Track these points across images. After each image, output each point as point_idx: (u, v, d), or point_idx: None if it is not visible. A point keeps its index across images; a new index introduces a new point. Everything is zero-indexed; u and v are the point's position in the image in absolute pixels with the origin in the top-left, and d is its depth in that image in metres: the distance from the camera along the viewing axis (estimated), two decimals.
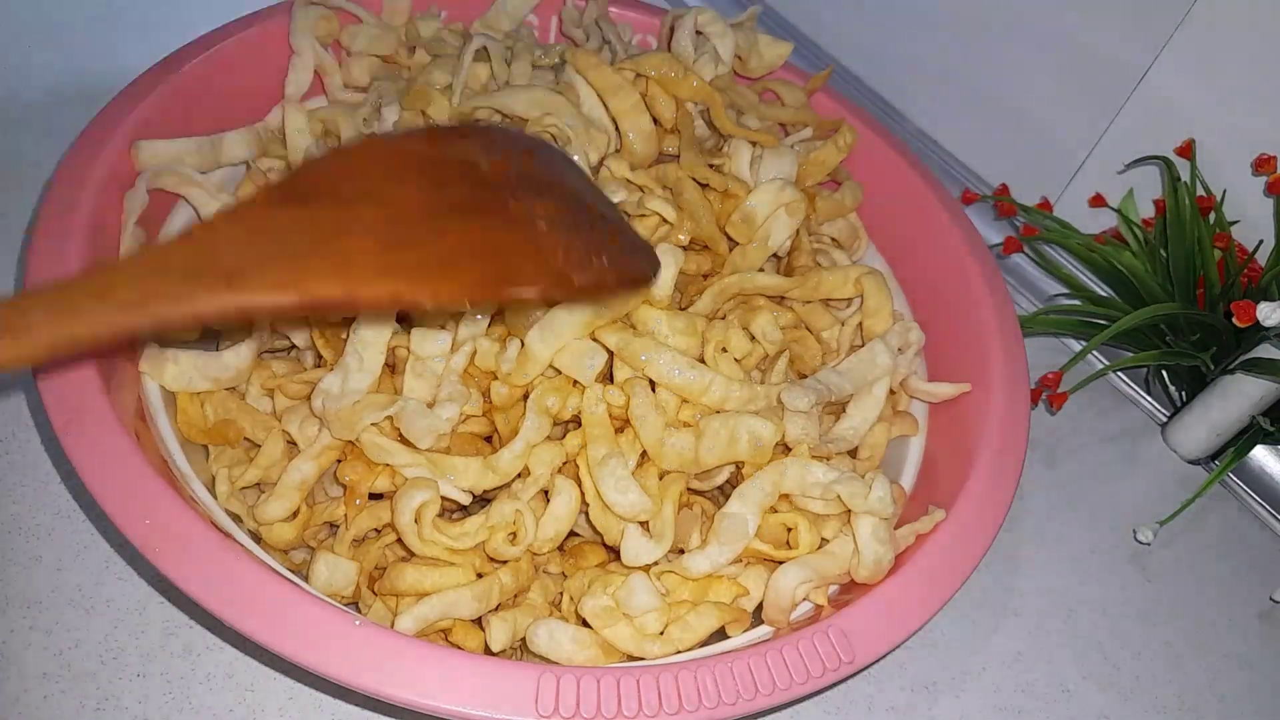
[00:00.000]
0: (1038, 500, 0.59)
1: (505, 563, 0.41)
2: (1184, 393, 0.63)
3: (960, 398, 0.48)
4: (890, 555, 0.40)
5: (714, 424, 0.42)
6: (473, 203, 0.34)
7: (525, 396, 0.43)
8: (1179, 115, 0.60)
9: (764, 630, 0.40)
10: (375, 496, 0.43)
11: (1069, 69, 0.64)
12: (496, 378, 0.43)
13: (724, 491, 0.45)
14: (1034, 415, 0.58)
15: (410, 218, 0.32)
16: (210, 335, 0.49)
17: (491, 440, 0.45)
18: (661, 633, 0.39)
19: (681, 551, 0.42)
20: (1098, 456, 0.62)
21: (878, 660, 0.38)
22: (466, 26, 0.58)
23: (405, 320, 0.44)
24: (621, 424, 0.43)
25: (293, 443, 0.43)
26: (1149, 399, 0.65)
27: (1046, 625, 0.53)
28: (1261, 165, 0.57)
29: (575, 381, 0.42)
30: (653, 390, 0.42)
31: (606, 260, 0.35)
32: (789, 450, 0.43)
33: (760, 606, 0.41)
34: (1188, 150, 0.59)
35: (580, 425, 0.42)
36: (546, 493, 0.42)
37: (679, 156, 0.50)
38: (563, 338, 0.42)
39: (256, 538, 0.42)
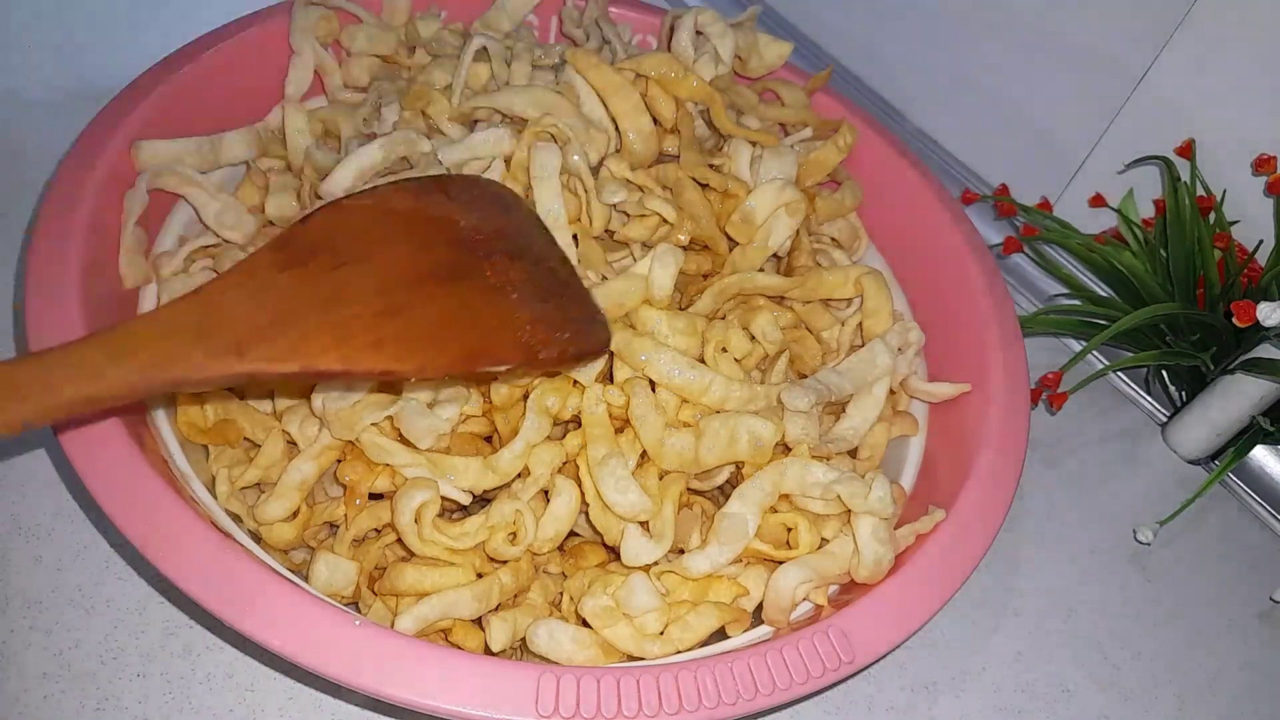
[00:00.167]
0: (1038, 500, 0.59)
1: (505, 563, 0.41)
2: (1184, 393, 0.63)
3: (960, 398, 0.48)
4: (890, 555, 0.40)
5: (714, 424, 0.42)
6: (454, 268, 0.36)
7: (525, 396, 0.43)
8: (1179, 115, 0.60)
9: (764, 630, 0.40)
10: (375, 496, 0.43)
11: (1069, 69, 0.64)
12: (496, 378, 0.43)
13: (724, 491, 0.45)
14: (1034, 415, 0.58)
15: (398, 284, 0.34)
16: None
17: (491, 440, 0.45)
18: (661, 633, 0.39)
19: (681, 551, 0.42)
20: (1098, 456, 0.62)
21: (878, 660, 0.38)
22: (466, 26, 0.58)
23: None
24: (621, 424, 0.43)
25: (293, 443, 0.43)
26: (1149, 399, 0.65)
27: (1046, 625, 0.53)
28: (1261, 165, 0.57)
29: (575, 381, 0.42)
30: (653, 390, 0.42)
31: (569, 334, 0.38)
32: (789, 450, 0.43)
33: (760, 606, 0.41)
34: (1188, 150, 0.59)
35: (580, 425, 0.42)
36: (546, 493, 0.42)
37: (679, 156, 0.50)
38: None
39: (256, 538, 0.42)
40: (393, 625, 0.38)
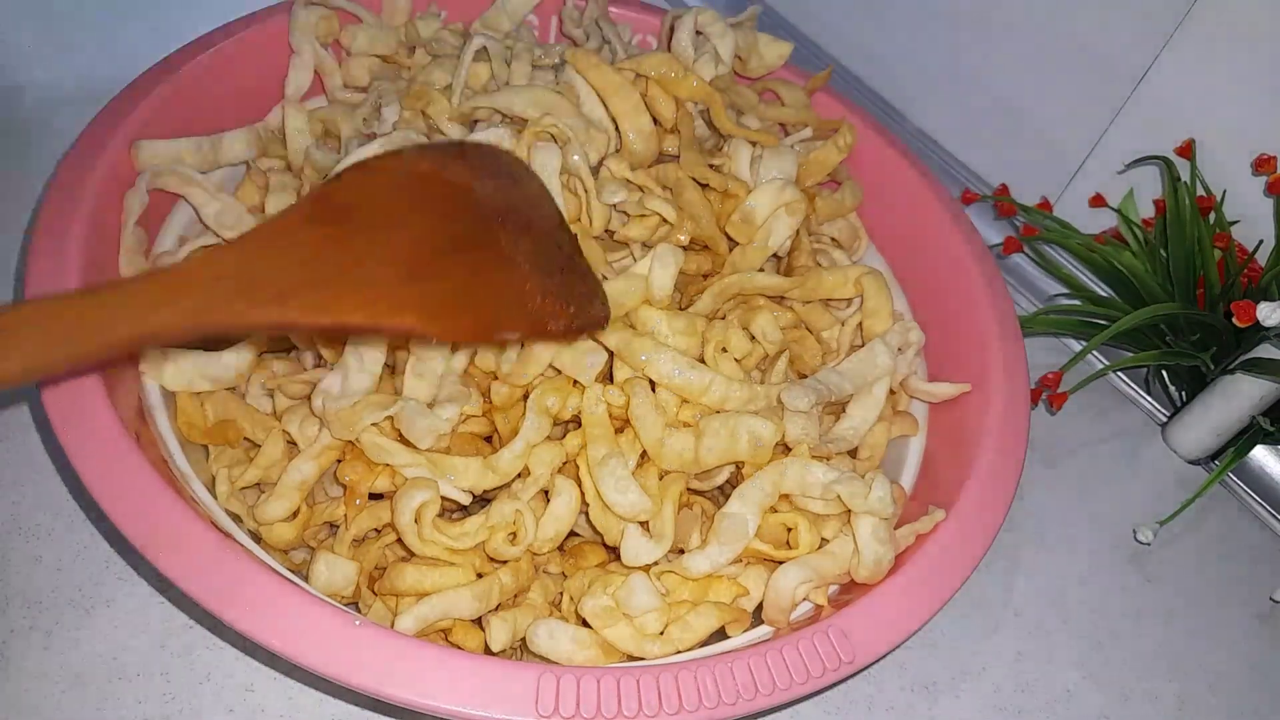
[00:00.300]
0: (1038, 500, 0.59)
1: (505, 563, 0.41)
2: (1184, 393, 0.63)
3: (960, 398, 0.48)
4: (890, 555, 0.40)
5: (714, 424, 0.42)
6: (471, 237, 0.38)
7: (525, 396, 0.43)
8: (1179, 115, 0.60)
9: (764, 630, 0.40)
10: (375, 496, 0.43)
11: (1069, 69, 0.64)
12: (496, 378, 0.43)
13: (724, 491, 0.45)
14: (1034, 415, 0.58)
15: (421, 250, 0.36)
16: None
17: (491, 440, 0.45)
18: (661, 633, 0.39)
19: (681, 551, 0.42)
20: (1098, 456, 0.62)
21: (878, 660, 0.38)
22: (466, 26, 0.58)
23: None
24: (621, 424, 0.43)
25: (293, 443, 0.43)
26: (1149, 399, 0.65)
27: (1046, 625, 0.53)
28: (1261, 165, 0.57)
29: (575, 381, 0.42)
30: (653, 390, 0.42)
31: (574, 308, 0.39)
32: (789, 450, 0.43)
33: (760, 606, 0.41)
34: (1188, 150, 0.59)
35: (580, 425, 0.42)
36: (546, 493, 0.42)
37: (679, 156, 0.50)
38: None
39: (256, 538, 0.42)
40: (393, 625, 0.39)
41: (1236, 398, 0.58)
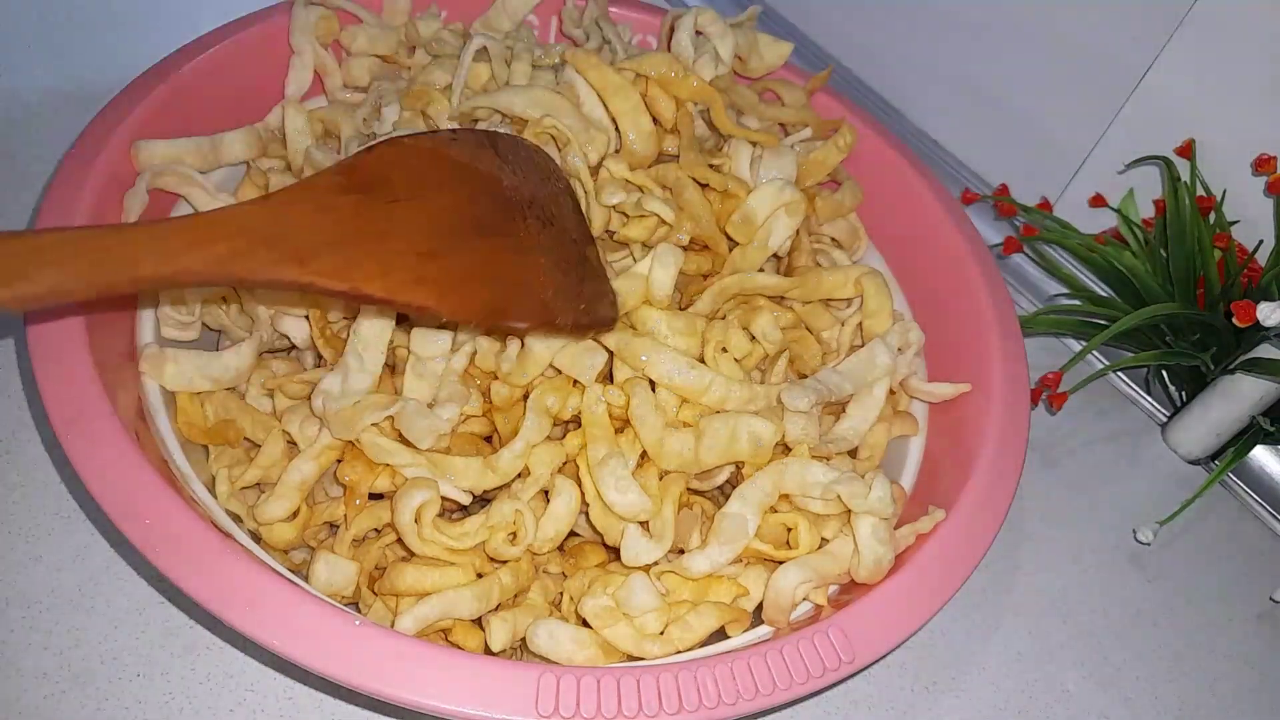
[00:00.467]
0: (1038, 500, 0.59)
1: (505, 563, 0.41)
2: (1184, 393, 0.63)
3: (960, 398, 0.48)
4: (890, 555, 0.40)
5: (714, 424, 0.42)
6: (492, 223, 0.38)
7: (525, 397, 0.43)
8: (1179, 115, 0.60)
9: (764, 630, 0.40)
10: (375, 496, 0.43)
11: (1069, 69, 0.64)
12: (496, 378, 0.43)
13: (724, 491, 0.45)
14: (1034, 415, 0.58)
15: (443, 229, 0.37)
16: (210, 334, 0.49)
17: (491, 440, 0.45)
18: (661, 633, 0.39)
19: (681, 551, 0.42)
20: (1098, 456, 0.62)
21: (878, 660, 0.38)
22: (466, 26, 0.58)
23: (405, 321, 0.44)
24: (621, 424, 0.43)
25: (293, 443, 0.43)
26: (1149, 399, 0.65)
27: (1046, 625, 0.53)
28: (1261, 165, 0.57)
29: (575, 381, 0.42)
30: (653, 390, 0.42)
31: (584, 304, 0.40)
32: (789, 450, 0.43)
33: (760, 606, 0.41)
34: (1188, 150, 0.59)
35: (580, 425, 0.42)
36: (546, 493, 0.42)
37: (679, 156, 0.50)
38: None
39: (256, 538, 0.42)
40: (393, 625, 0.38)
41: (1236, 398, 0.58)
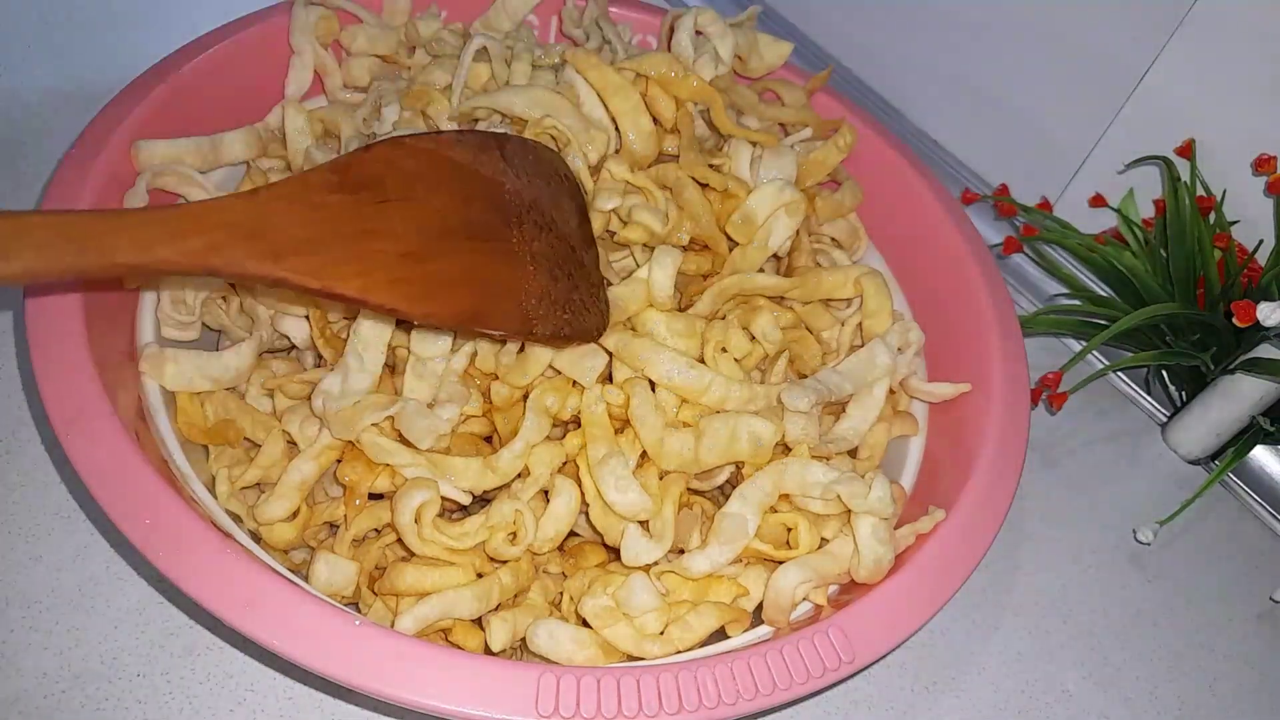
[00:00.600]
0: (1038, 500, 0.59)
1: (505, 563, 0.41)
2: (1184, 393, 0.63)
3: (960, 398, 0.48)
4: (890, 555, 0.40)
5: (714, 424, 0.42)
6: (485, 227, 0.39)
7: (525, 397, 0.43)
8: (1179, 115, 0.60)
9: (764, 630, 0.40)
10: (375, 496, 0.43)
11: (1069, 69, 0.64)
12: (496, 378, 0.43)
13: (724, 491, 0.45)
14: (1034, 415, 0.58)
15: (430, 231, 0.37)
16: (210, 334, 0.49)
17: (491, 440, 0.45)
18: (661, 633, 0.39)
19: (681, 551, 0.42)
20: (1098, 456, 0.62)
21: (878, 660, 0.38)
22: (466, 26, 0.58)
23: (405, 321, 0.44)
24: (621, 424, 0.43)
25: (293, 443, 0.43)
26: (1149, 399, 0.65)
27: (1046, 625, 0.53)
28: (1261, 165, 0.57)
29: (575, 382, 0.42)
30: (653, 390, 0.42)
31: (569, 315, 0.40)
32: (789, 450, 0.43)
33: (760, 606, 0.41)
34: (1188, 150, 0.59)
35: (580, 425, 0.42)
36: (546, 493, 0.42)
37: (679, 156, 0.50)
38: None
39: (256, 538, 0.42)
40: (393, 625, 0.38)
41: (1236, 398, 0.58)
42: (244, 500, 0.43)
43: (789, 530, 0.42)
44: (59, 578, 0.45)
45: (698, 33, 0.54)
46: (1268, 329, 0.51)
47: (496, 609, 0.41)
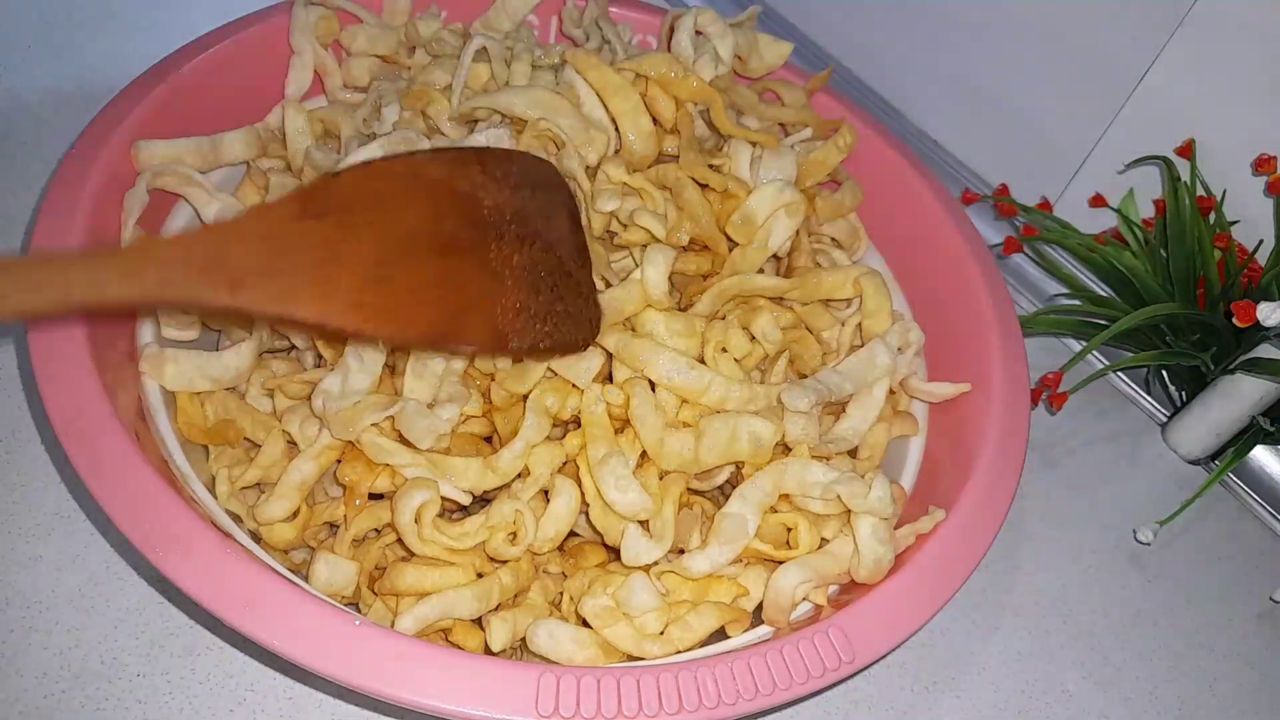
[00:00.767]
0: (1038, 500, 0.59)
1: (505, 563, 0.41)
2: (1184, 393, 0.63)
3: (960, 398, 0.48)
4: (890, 555, 0.40)
5: (714, 424, 0.42)
6: (457, 243, 0.39)
7: (525, 397, 0.43)
8: (1179, 115, 0.60)
9: (764, 630, 0.40)
10: (375, 496, 0.43)
11: (1069, 69, 0.64)
12: (496, 379, 0.43)
13: (724, 491, 0.45)
14: (1034, 415, 0.58)
15: (396, 250, 0.37)
16: (210, 334, 0.49)
17: (491, 440, 0.45)
18: (661, 633, 0.39)
19: (681, 551, 0.42)
20: (1098, 456, 0.62)
21: (878, 660, 0.38)
22: (466, 26, 0.58)
23: None
24: (621, 424, 0.43)
25: (293, 443, 0.43)
26: (1149, 399, 0.65)
27: (1046, 625, 0.53)
28: (1261, 165, 0.57)
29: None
30: (652, 391, 0.42)
31: (549, 327, 0.40)
32: (789, 450, 0.43)
33: (760, 606, 0.41)
34: (1188, 150, 0.59)
35: (580, 425, 0.42)
36: (546, 493, 0.42)
37: (679, 156, 0.50)
38: None
39: (256, 538, 0.42)
40: (393, 625, 0.38)
41: (1236, 398, 0.58)
42: (244, 500, 0.43)
43: (789, 530, 0.42)
44: (59, 578, 0.45)
45: (698, 33, 0.54)
46: (1268, 329, 0.51)
47: (496, 609, 0.41)
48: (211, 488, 0.42)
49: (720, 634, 0.40)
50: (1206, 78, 0.58)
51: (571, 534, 0.44)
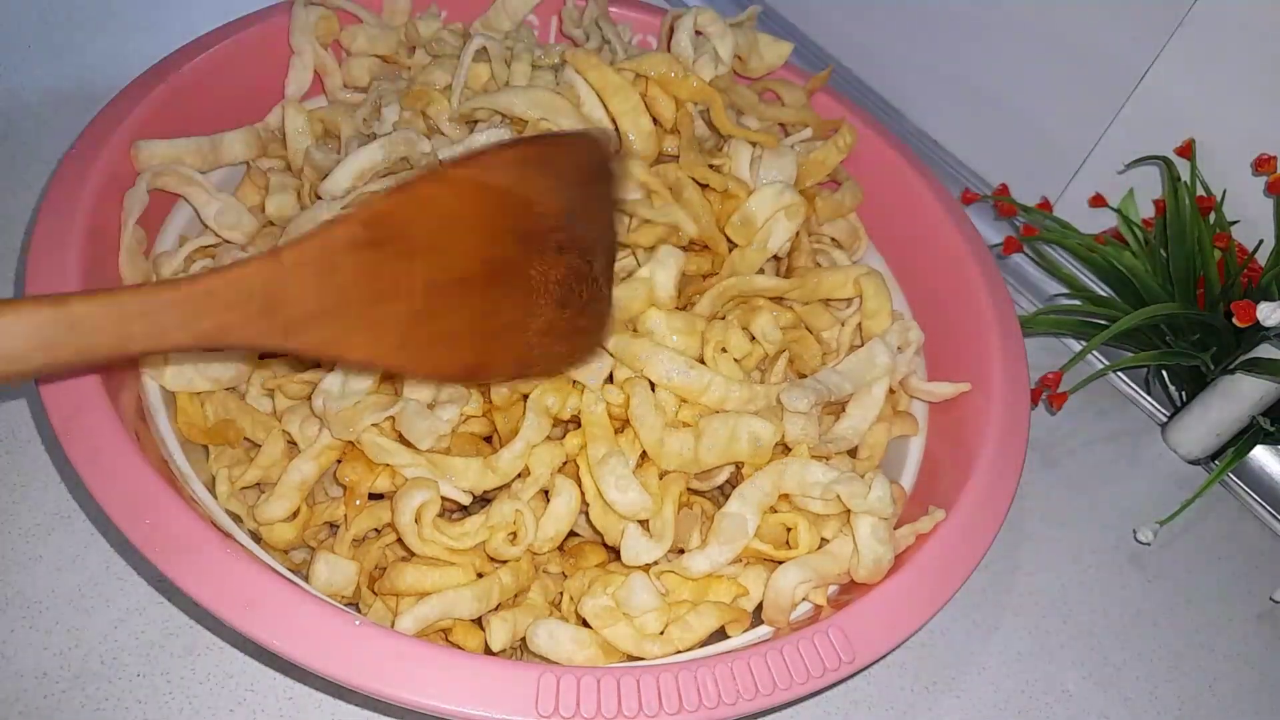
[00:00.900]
0: (1038, 500, 0.59)
1: (505, 563, 0.41)
2: (1184, 393, 0.63)
3: (960, 398, 0.48)
4: (890, 555, 0.40)
5: (714, 424, 0.42)
6: (503, 266, 0.37)
7: (525, 397, 0.43)
8: (1179, 115, 0.60)
9: (764, 630, 0.40)
10: (375, 496, 0.43)
11: (1069, 69, 0.64)
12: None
13: (724, 491, 0.45)
14: (1034, 415, 0.58)
15: (446, 282, 0.36)
16: None
17: (491, 440, 0.45)
18: (661, 633, 0.39)
19: (681, 551, 0.42)
20: (1098, 456, 0.62)
21: (878, 660, 0.38)
22: (466, 26, 0.58)
23: None
24: (621, 424, 0.43)
25: (293, 443, 0.43)
26: (1149, 399, 0.65)
27: (1046, 625, 0.53)
28: (1261, 165, 0.57)
29: (575, 382, 0.42)
30: (652, 390, 0.42)
31: (568, 346, 0.40)
32: (789, 450, 0.43)
33: (760, 606, 0.41)
34: (1188, 150, 0.59)
35: (580, 425, 0.42)
36: (546, 493, 0.42)
37: (679, 156, 0.50)
38: None
39: (256, 538, 0.42)
40: (393, 625, 0.38)
41: (1236, 398, 0.58)
42: (244, 500, 0.43)
43: (789, 530, 0.42)
44: (59, 578, 0.45)
45: (698, 33, 0.54)
46: (1268, 329, 0.51)
47: (496, 609, 0.41)
48: (211, 488, 0.42)
49: (720, 634, 0.40)
50: (1206, 78, 0.58)
51: (571, 534, 0.44)
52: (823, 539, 0.42)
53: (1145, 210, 0.63)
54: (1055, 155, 0.67)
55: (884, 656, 0.38)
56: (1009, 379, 0.47)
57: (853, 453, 0.47)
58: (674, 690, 0.34)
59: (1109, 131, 0.63)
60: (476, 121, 0.50)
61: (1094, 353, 0.59)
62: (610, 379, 0.43)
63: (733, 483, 0.44)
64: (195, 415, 0.44)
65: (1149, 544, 0.57)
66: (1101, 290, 0.65)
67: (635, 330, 0.44)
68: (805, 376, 0.47)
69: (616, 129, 0.50)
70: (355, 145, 0.47)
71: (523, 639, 0.40)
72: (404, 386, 0.42)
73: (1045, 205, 0.66)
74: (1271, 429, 0.57)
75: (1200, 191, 0.59)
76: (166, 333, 0.30)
